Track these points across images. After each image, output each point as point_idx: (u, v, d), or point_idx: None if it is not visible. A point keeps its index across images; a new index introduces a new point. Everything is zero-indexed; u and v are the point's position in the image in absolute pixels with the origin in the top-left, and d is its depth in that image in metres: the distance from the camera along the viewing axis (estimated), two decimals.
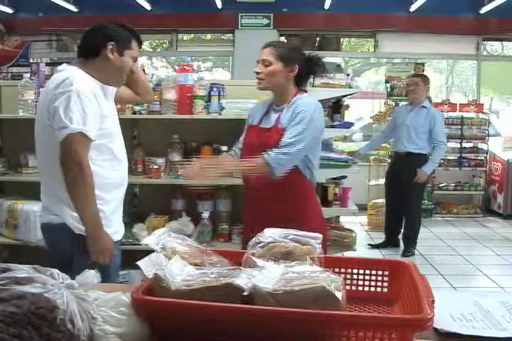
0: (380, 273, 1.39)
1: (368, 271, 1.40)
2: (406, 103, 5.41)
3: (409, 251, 5.11)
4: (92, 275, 1.15)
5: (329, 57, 7.96)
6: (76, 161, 2.02)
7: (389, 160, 6.15)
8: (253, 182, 2.49)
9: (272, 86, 2.47)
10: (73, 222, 2.13)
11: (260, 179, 2.40)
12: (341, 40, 8.66)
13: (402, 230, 5.25)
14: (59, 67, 2.23)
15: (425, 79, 5.06)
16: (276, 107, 2.51)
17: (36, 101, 3.03)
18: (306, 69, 2.50)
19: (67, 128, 2.02)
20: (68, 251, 2.16)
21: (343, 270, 1.39)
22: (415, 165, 4.91)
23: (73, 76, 2.12)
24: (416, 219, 5.19)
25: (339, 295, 1.05)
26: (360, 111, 8.62)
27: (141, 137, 3.64)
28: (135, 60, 2.30)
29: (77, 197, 2.06)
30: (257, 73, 2.45)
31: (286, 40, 8.09)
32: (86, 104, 2.06)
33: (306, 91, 2.59)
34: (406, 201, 5.07)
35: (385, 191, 5.41)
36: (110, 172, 2.21)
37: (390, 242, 5.36)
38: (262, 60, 2.44)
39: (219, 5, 7.00)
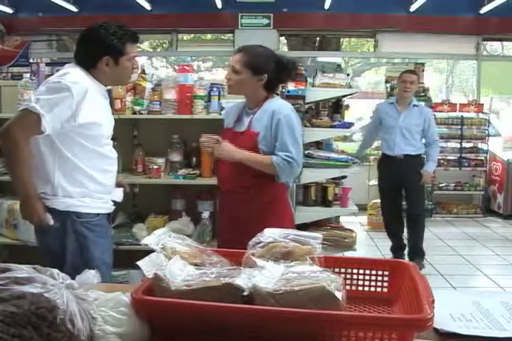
0: (380, 273, 1.39)
1: (368, 271, 1.39)
2: (390, 101, 4.92)
3: (419, 264, 4.49)
4: (92, 276, 1.15)
5: (329, 57, 8.01)
6: (13, 134, 2.04)
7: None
8: (227, 185, 2.53)
9: (241, 93, 2.51)
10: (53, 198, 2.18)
11: (234, 182, 2.46)
12: (341, 40, 8.66)
13: (409, 242, 4.79)
14: (66, 65, 2.26)
15: (419, 78, 4.76)
16: (249, 110, 2.53)
17: None
18: (277, 76, 2.49)
19: (30, 104, 2.04)
20: (61, 251, 2.19)
21: (343, 270, 1.39)
22: (416, 167, 4.64)
23: (74, 73, 2.15)
24: (422, 225, 4.77)
25: (339, 295, 1.05)
26: (360, 111, 8.62)
27: (141, 137, 3.64)
28: (135, 57, 2.31)
29: (11, 168, 2.14)
30: (227, 80, 2.46)
31: (286, 40, 8.11)
32: (66, 100, 2.06)
33: (278, 94, 2.62)
34: (411, 206, 4.74)
35: (382, 198, 5.04)
36: (101, 176, 2.24)
37: (398, 247, 4.93)
38: (231, 67, 2.44)
39: (219, 5, 6.99)
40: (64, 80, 2.09)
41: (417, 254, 4.67)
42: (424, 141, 4.74)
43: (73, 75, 2.13)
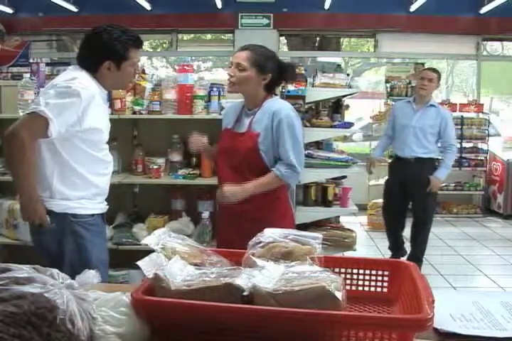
0: (380, 273, 1.39)
1: (368, 271, 1.40)
2: (407, 100, 4.75)
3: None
4: (92, 275, 1.15)
5: (329, 57, 8.01)
6: (20, 137, 2.03)
7: (389, 160, 5.49)
8: (228, 185, 2.52)
9: (242, 91, 2.49)
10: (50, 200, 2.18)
11: (234, 182, 2.44)
12: (341, 40, 8.66)
13: (410, 251, 4.64)
14: (70, 67, 2.26)
15: (440, 77, 4.49)
16: (248, 111, 2.53)
17: None
18: (278, 77, 2.51)
19: (39, 107, 2.04)
20: (58, 251, 2.20)
21: (343, 270, 1.39)
22: (426, 172, 4.36)
23: (82, 78, 2.15)
24: (424, 236, 4.57)
25: (339, 295, 1.05)
26: (360, 111, 8.62)
27: (141, 137, 3.64)
28: (137, 62, 2.32)
29: (15, 169, 2.12)
30: (230, 76, 2.45)
31: (286, 40, 8.11)
32: (74, 105, 2.07)
33: (276, 95, 2.63)
34: (415, 214, 4.56)
35: (384, 198, 4.81)
36: (97, 178, 2.25)
37: (394, 248, 4.82)
38: (236, 63, 2.43)
39: (219, 5, 6.99)
40: (74, 85, 2.09)
41: (416, 262, 4.36)
42: (439, 144, 4.49)
43: (82, 80, 2.14)
